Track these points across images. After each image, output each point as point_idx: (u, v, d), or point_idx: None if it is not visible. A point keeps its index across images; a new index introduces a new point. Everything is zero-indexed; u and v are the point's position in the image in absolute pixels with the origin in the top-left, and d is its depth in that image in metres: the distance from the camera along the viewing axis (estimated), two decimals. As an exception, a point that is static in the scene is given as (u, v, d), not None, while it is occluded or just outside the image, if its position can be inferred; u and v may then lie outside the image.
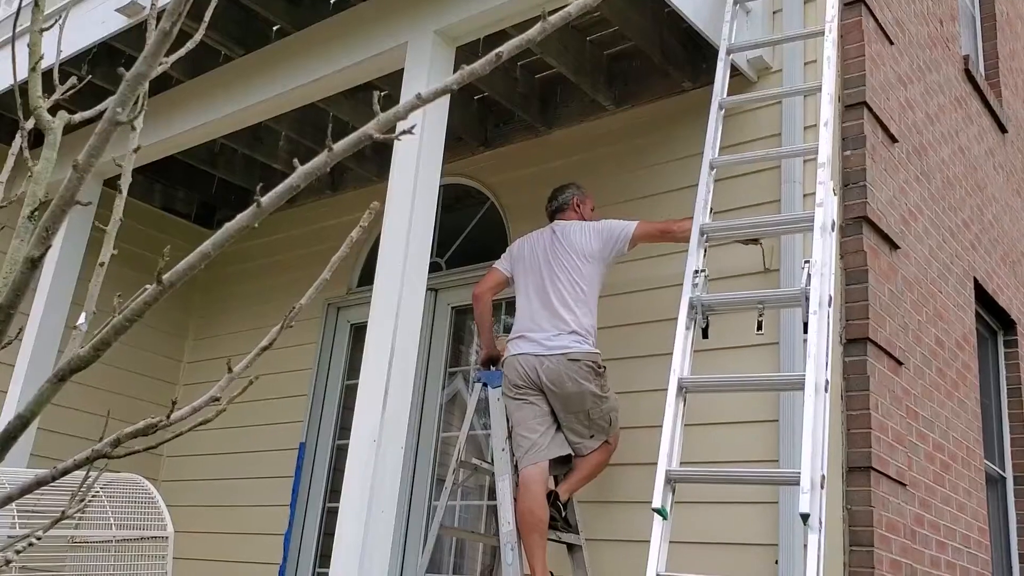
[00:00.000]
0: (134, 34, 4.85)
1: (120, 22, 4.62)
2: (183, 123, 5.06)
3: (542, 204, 4.57)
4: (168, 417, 0.90)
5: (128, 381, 6.49)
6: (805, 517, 2.94)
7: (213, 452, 6.29)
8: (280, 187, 0.81)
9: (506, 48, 0.86)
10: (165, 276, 0.81)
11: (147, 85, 0.95)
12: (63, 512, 0.91)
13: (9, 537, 3.43)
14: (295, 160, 0.87)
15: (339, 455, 5.85)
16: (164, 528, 3.90)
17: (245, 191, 6.99)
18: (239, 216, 0.82)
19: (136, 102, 0.91)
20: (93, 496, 3.87)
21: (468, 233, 5.74)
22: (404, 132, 0.84)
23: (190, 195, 7.16)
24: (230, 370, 0.91)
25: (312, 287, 0.99)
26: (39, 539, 0.93)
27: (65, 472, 0.84)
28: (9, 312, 0.82)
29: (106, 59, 5.22)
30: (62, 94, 1.38)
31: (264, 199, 0.81)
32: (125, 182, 1.11)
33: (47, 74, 1.23)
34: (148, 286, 0.83)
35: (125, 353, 6.43)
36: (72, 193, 0.78)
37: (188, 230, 7.18)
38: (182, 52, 1.13)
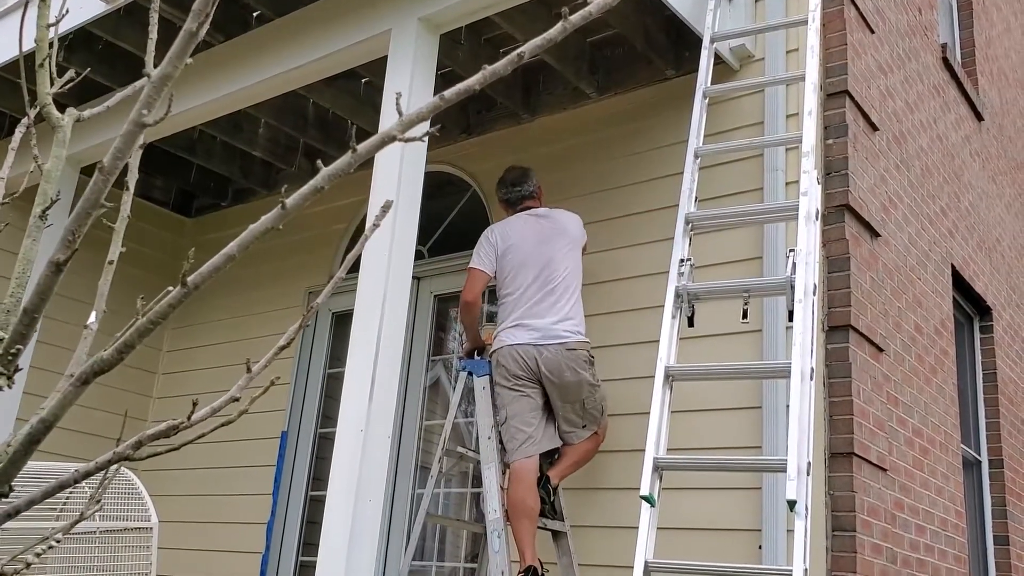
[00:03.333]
0: (112, 20, 4.79)
1: (98, 7, 4.56)
2: (162, 110, 5.00)
3: (525, 192, 4.56)
4: (189, 418, 0.89)
5: (106, 370, 6.42)
6: (792, 504, 2.97)
7: (195, 441, 6.24)
8: (304, 188, 0.81)
9: (527, 48, 0.86)
10: (189, 278, 0.81)
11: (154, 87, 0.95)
12: (82, 513, 0.90)
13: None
14: (319, 161, 0.86)
15: (321, 443, 5.84)
16: (148, 519, 3.88)
17: (224, 179, 6.93)
18: (263, 218, 0.82)
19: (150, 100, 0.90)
20: (75, 487, 3.84)
21: (450, 221, 5.72)
22: (427, 133, 0.84)
23: (168, 183, 7.09)
24: (249, 370, 0.91)
25: (327, 286, 0.99)
26: (59, 542, 0.93)
27: (88, 475, 0.83)
28: (34, 316, 0.81)
29: (82, 44, 5.15)
30: (60, 87, 1.37)
31: (289, 201, 0.80)
32: (132, 179, 1.10)
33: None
34: (171, 288, 0.83)
35: (102, 341, 6.36)
36: (98, 196, 0.77)
37: (166, 218, 7.13)
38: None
